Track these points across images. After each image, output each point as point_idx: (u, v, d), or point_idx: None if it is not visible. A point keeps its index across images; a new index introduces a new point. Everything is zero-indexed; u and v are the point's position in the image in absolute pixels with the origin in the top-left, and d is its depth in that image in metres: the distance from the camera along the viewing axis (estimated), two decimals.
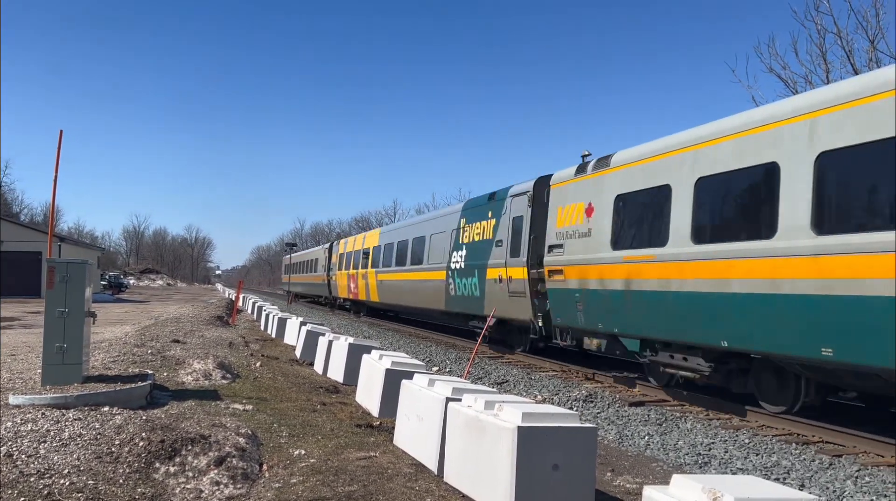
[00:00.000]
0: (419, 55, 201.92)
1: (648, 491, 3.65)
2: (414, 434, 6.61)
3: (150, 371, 9.51)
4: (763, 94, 30.35)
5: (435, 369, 14.68)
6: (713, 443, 8.37)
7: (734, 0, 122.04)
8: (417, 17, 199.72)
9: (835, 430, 8.57)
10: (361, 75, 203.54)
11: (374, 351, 9.80)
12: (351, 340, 11.71)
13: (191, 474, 5.69)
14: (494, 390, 7.32)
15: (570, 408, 10.30)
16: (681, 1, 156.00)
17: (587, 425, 5.18)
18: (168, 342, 14.27)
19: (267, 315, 22.82)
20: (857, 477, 6.93)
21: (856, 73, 20.56)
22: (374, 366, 8.93)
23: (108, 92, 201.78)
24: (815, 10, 22.60)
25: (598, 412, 10.21)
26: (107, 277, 63.98)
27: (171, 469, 5.71)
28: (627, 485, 6.36)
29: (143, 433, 6.12)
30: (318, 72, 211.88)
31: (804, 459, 7.64)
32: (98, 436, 6.24)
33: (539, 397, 11.39)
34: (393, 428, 7.29)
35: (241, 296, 35.68)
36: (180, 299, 49.34)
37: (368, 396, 9.03)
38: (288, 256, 65.74)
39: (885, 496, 6.36)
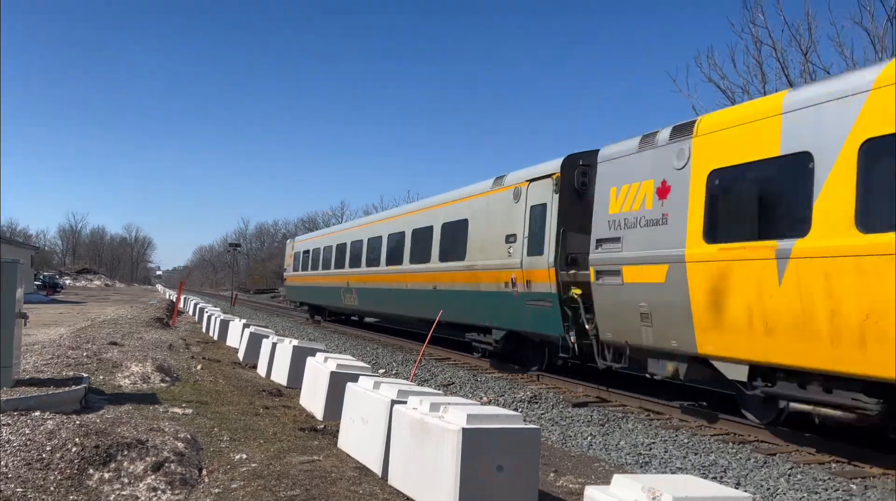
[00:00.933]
0: (366, 56, 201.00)
1: (590, 491, 3.70)
2: (359, 437, 6.56)
3: (85, 374, 9.20)
4: (703, 103, 31.10)
5: (381, 371, 14.60)
6: (654, 443, 8.53)
7: (676, 12, 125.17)
8: (366, 18, 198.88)
9: (770, 429, 8.83)
10: (308, 74, 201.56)
11: (318, 354, 9.68)
12: (295, 342, 11.56)
13: (126, 480, 5.52)
14: (440, 392, 7.32)
15: (515, 409, 10.37)
16: (624, 12, 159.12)
17: (531, 426, 5.22)
18: (105, 345, 13.84)
19: (209, 317, 22.35)
20: (789, 475, 7.16)
21: (790, 84, 21.29)
22: (319, 369, 8.83)
23: (41, 87, 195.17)
24: (752, 24, 23.32)
25: (543, 413, 10.31)
26: (41, 277, 61.78)
27: (106, 476, 5.53)
28: (570, 485, 6.43)
29: (77, 439, 5.91)
30: (261, 71, 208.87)
31: (740, 458, 7.85)
32: (28, 442, 6.00)
33: (485, 398, 11.45)
34: (337, 432, 7.22)
35: (182, 297, 34.89)
36: (119, 300, 47.97)
37: (313, 399, 8.93)
38: (312, 233, 37.14)
39: (816, 493, 6.58)
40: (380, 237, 21.77)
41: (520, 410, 10.45)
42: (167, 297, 54.08)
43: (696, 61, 53.00)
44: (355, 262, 24.13)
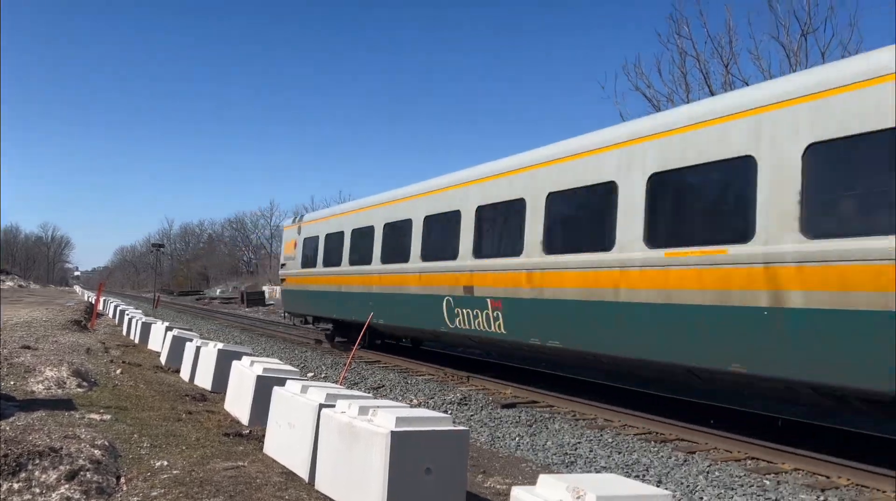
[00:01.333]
0: (296, 53, 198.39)
1: (516, 492, 3.73)
2: (285, 442, 6.45)
3: None
4: (630, 110, 32.06)
5: (310, 375, 14.41)
6: (579, 443, 8.70)
7: (606, 20, 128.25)
8: (297, 19, 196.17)
9: (689, 428, 9.13)
10: (235, 73, 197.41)
11: (244, 357, 9.48)
12: (220, 345, 11.28)
13: (38, 490, 5.27)
14: (370, 395, 7.27)
15: (445, 411, 10.40)
16: (557, 17, 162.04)
17: (460, 428, 5.24)
18: (17, 349, 13.19)
19: (130, 319, 21.60)
20: (708, 472, 7.41)
21: (712, 93, 22.09)
22: (245, 373, 8.64)
23: None
24: (677, 35, 24.14)
25: (472, 415, 10.38)
26: None
27: (15, 486, 5.27)
28: (498, 486, 6.49)
29: None
30: (187, 68, 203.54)
31: (661, 456, 8.08)
32: None
33: (415, 401, 11.44)
34: (263, 437, 7.08)
35: (101, 299, 33.65)
36: (33, 302, 45.80)
37: (238, 404, 8.73)
38: (348, 205, 20.09)
39: (732, 488, 6.84)
40: (608, 187, 9.76)
41: (449, 412, 10.48)
42: (86, 299, 52.01)
43: (624, 70, 54.72)
44: (498, 245, 12.22)
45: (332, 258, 19.11)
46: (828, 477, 7.19)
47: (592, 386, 13.12)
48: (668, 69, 34.49)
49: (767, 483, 7.07)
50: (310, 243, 20.96)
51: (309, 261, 20.92)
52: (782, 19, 22.23)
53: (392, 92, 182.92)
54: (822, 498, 6.58)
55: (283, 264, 23.31)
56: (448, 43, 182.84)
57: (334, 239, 19.15)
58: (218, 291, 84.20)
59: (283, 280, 23.45)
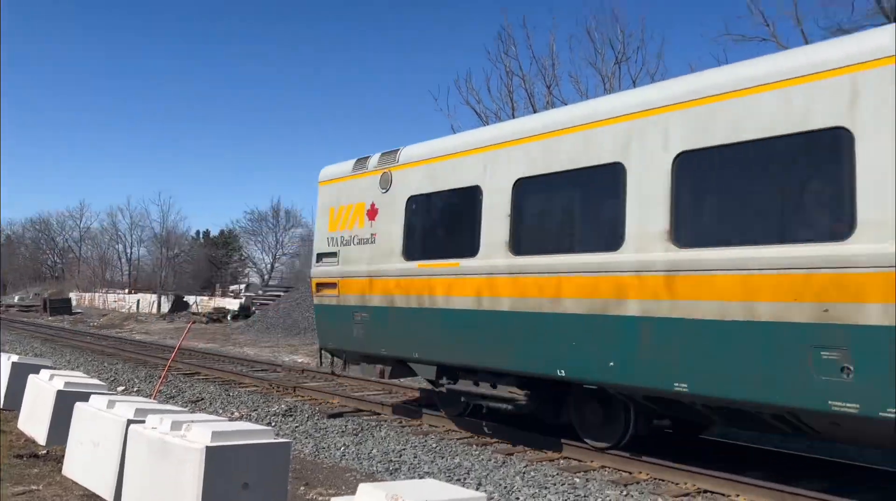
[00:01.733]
0: (116, 50, 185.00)
1: None
2: (88, 462, 5.97)
3: None
4: (461, 123, 33.06)
5: (121, 389, 13.45)
6: (404, 449, 8.78)
7: (440, 32, 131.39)
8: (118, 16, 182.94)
9: (508, 431, 9.51)
10: (48, 63, 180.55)
11: (43, 371, 8.68)
12: (15, 358, 10.25)
13: None
14: (186, 409, 6.91)
15: (269, 424, 10.10)
16: (394, 24, 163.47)
17: (280, 440, 5.12)
18: None
19: None
20: (524, 473, 7.75)
21: (535, 111, 23.35)
22: (43, 387, 7.91)
23: None
24: (505, 54, 25.27)
25: (297, 426, 10.16)
26: None
27: None
28: (320, 498, 6.39)
29: None
30: None
31: (482, 459, 8.35)
32: None
33: (236, 414, 11.02)
34: (63, 457, 6.51)
35: None
36: None
37: (34, 421, 7.97)
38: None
39: (546, 487, 7.20)
40: None
41: (273, 424, 10.19)
42: None
43: (456, 84, 56.38)
44: None
45: (568, 236, 8.25)
46: (630, 473, 7.78)
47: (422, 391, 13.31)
48: (496, 86, 36.02)
49: (577, 480, 7.51)
50: (437, 207, 9.93)
51: (437, 245, 9.73)
52: (599, 48, 23.99)
53: (214, 96, 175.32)
54: (625, 492, 7.10)
55: (325, 256, 11.47)
56: (277, 45, 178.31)
57: (567, 191, 8.29)
58: (17, 298, 76.50)
59: (320, 287, 11.46)
